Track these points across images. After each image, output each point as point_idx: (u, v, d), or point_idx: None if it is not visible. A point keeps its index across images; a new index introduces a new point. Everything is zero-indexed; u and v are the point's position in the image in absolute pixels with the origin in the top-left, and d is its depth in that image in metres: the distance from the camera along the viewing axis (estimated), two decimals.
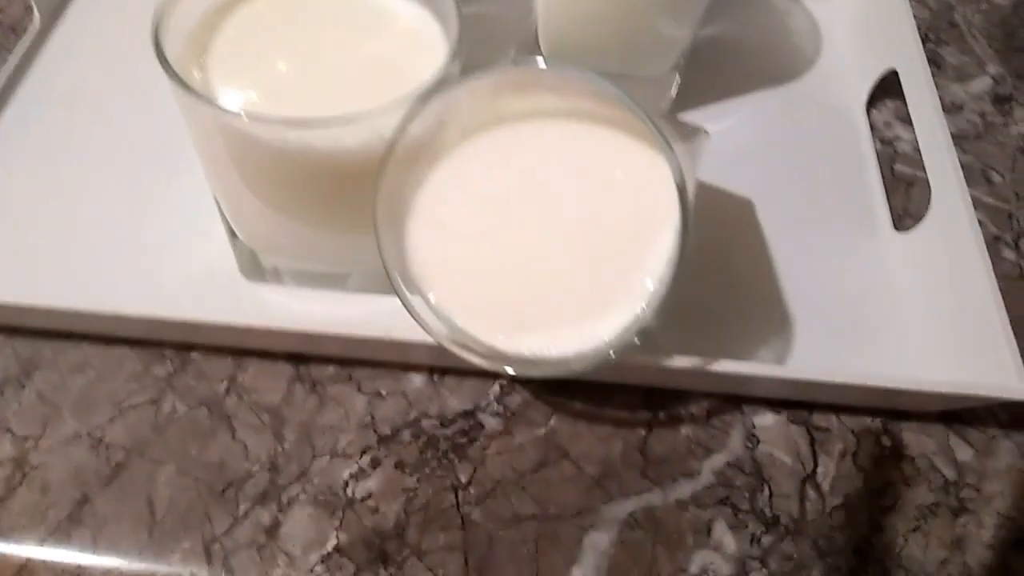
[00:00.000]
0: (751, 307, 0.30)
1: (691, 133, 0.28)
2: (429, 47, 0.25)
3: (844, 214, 0.33)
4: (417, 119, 0.22)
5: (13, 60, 0.35)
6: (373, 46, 0.25)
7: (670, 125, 0.26)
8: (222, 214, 0.28)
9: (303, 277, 0.29)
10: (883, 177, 0.34)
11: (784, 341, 0.29)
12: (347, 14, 0.25)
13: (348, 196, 0.25)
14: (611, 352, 0.23)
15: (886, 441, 0.27)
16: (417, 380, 0.27)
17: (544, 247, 0.24)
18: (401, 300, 0.23)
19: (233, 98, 0.22)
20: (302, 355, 0.28)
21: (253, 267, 0.29)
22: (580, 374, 0.27)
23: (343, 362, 0.28)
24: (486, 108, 0.24)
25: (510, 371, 0.23)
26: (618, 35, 0.31)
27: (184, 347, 0.27)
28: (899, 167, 0.35)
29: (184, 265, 0.29)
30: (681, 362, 0.26)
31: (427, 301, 0.24)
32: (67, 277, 0.29)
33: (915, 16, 0.34)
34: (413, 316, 0.23)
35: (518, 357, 0.24)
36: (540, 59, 0.23)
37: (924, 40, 0.34)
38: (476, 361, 0.23)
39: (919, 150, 0.32)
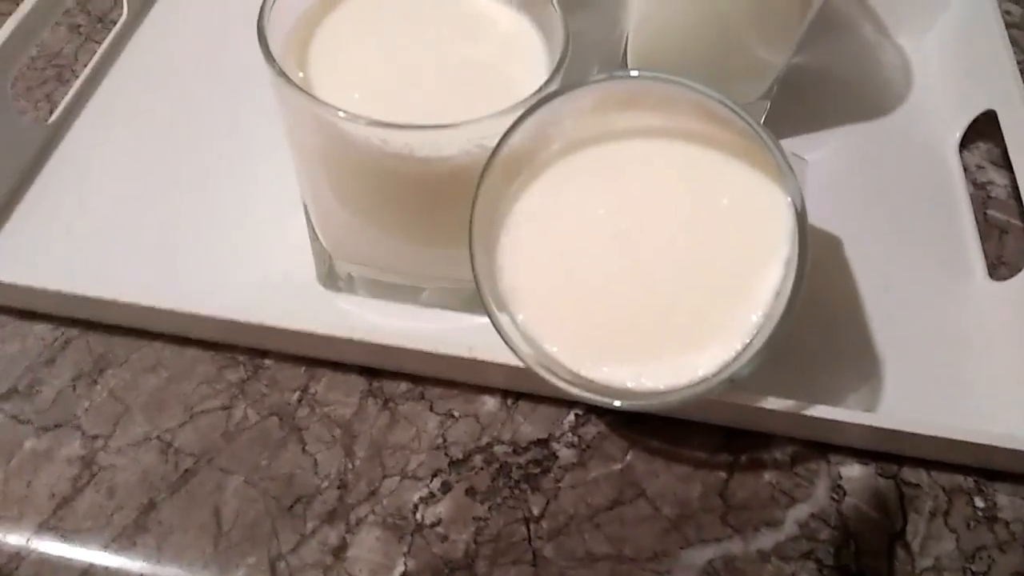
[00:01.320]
0: (837, 350, 0.29)
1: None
2: (528, 54, 0.24)
3: (935, 258, 0.32)
4: (520, 130, 0.21)
5: (100, 51, 0.34)
6: (472, 50, 0.24)
7: None
8: (308, 218, 0.27)
9: (377, 287, 0.28)
10: (976, 222, 0.33)
11: (872, 388, 0.28)
12: (446, 16, 0.25)
13: (438, 208, 0.24)
14: (709, 389, 0.22)
15: (979, 502, 0.26)
16: (490, 403, 0.26)
17: (643, 272, 0.23)
18: (489, 317, 0.22)
19: (333, 98, 0.21)
20: (374, 369, 0.27)
21: (330, 275, 0.28)
22: (664, 409, 0.26)
23: (416, 379, 0.27)
24: (591, 123, 0.23)
25: (615, 403, 0.22)
26: (712, 58, 0.30)
27: (257, 353, 0.27)
28: (992, 212, 0.34)
29: (262, 270, 0.29)
30: (769, 403, 0.24)
31: (514, 320, 0.23)
32: (145, 273, 0.28)
33: None
34: (500, 334, 0.22)
35: (606, 387, 0.23)
36: (645, 71, 0.22)
37: None
38: (562, 387, 0.22)
39: (1015, 196, 0.30)
